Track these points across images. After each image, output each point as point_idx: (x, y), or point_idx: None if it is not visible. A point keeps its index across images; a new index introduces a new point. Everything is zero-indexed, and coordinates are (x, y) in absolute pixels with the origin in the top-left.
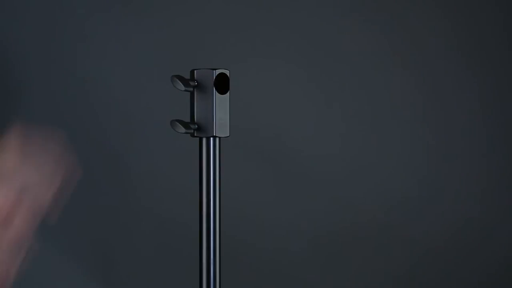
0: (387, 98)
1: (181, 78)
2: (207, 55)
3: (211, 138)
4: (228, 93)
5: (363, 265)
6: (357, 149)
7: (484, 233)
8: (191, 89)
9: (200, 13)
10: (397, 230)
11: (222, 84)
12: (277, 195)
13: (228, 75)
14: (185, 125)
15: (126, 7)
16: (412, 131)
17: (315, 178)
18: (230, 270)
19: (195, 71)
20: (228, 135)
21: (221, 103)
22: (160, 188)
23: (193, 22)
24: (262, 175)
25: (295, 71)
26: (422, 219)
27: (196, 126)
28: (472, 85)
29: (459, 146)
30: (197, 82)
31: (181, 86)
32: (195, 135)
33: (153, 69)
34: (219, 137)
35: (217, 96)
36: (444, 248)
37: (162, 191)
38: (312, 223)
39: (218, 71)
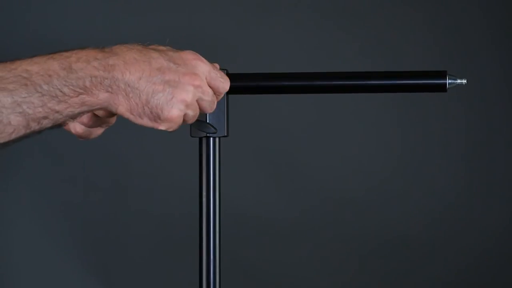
0: (386, 98)
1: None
2: (206, 54)
3: (211, 138)
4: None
5: (364, 263)
6: (357, 149)
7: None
8: None
9: (199, 12)
10: (397, 229)
11: None
12: (277, 195)
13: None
14: (207, 125)
15: (123, 7)
16: (411, 132)
17: (315, 178)
18: (230, 270)
19: None
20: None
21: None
22: (160, 188)
23: (191, 22)
24: (262, 175)
25: (295, 70)
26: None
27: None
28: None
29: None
30: None
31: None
32: (209, 135)
33: None
34: (219, 137)
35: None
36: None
37: (162, 191)
38: (312, 223)
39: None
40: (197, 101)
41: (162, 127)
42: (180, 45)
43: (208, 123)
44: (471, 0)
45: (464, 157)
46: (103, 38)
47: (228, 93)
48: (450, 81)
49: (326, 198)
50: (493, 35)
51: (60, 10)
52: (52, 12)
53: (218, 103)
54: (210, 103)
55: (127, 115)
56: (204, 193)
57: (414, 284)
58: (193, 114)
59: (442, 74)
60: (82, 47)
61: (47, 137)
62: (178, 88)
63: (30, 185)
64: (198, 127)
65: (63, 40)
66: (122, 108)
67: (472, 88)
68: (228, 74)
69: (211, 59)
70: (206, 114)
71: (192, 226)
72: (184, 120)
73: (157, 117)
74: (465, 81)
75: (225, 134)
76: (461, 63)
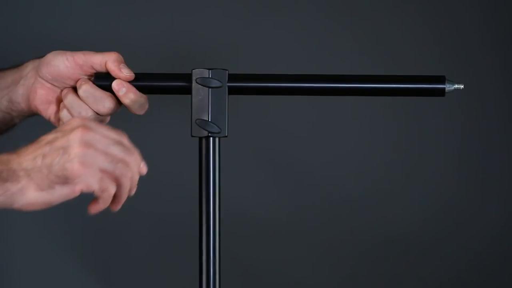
0: (384, 99)
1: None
2: (205, 54)
3: (211, 138)
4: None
5: (364, 262)
6: (356, 149)
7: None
8: (215, 87)
9: (200, 12)
10: (397, 228)
11: None
12: (277, 195)
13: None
14: (211, 124)
15: (124, 7)
16: (408, 132)
17: (315, 178)
18: (230, 270)
19: (209, 71)
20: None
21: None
22: (160, 188)
23: (192, 22)
24: (262, 175)
25: (295, 71)
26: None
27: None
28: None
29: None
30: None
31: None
32: (211, 135)
33: (153, 69)
34: (219, 137)
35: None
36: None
37: (162, 191)
38: (312, 222)
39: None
40: (101, 149)
41: (79, 186)
42: (180, 45)
43: (211, 122)
44: (472, 3)
45: (461, 157)
46: (104, 38)
47: (228, 93)
48: (448, 85)
49: (326, 197)
50: (493, 39)
51: (62, 10)
52: (54, 12)
53: (219, 104)
54: (108, 137)
55: (38, 194)
56: (203, 193)
57: (412, 283)
58: (107, 161)
59: (441, 79)
60: None
61: None
62: (69, 145)
63: None
64: (201, 126)
65: (65, 40)
66: (30, 190)
67: (470, 89)
68: (228, 74)
69: (211, 59)
70: (208, 113)
71: (192, 226)
72: (110, 171)
73: (65, 179)
74: (462, 86)
75: (225, 134)
76: (460, 66)
